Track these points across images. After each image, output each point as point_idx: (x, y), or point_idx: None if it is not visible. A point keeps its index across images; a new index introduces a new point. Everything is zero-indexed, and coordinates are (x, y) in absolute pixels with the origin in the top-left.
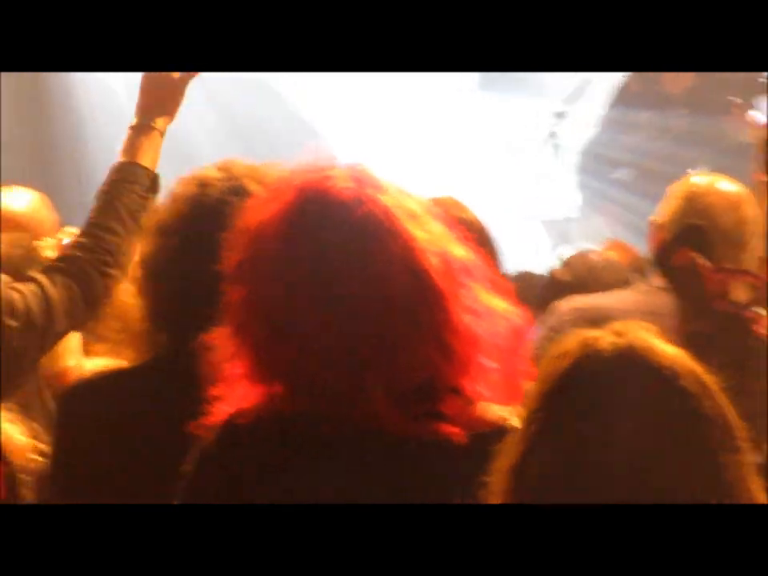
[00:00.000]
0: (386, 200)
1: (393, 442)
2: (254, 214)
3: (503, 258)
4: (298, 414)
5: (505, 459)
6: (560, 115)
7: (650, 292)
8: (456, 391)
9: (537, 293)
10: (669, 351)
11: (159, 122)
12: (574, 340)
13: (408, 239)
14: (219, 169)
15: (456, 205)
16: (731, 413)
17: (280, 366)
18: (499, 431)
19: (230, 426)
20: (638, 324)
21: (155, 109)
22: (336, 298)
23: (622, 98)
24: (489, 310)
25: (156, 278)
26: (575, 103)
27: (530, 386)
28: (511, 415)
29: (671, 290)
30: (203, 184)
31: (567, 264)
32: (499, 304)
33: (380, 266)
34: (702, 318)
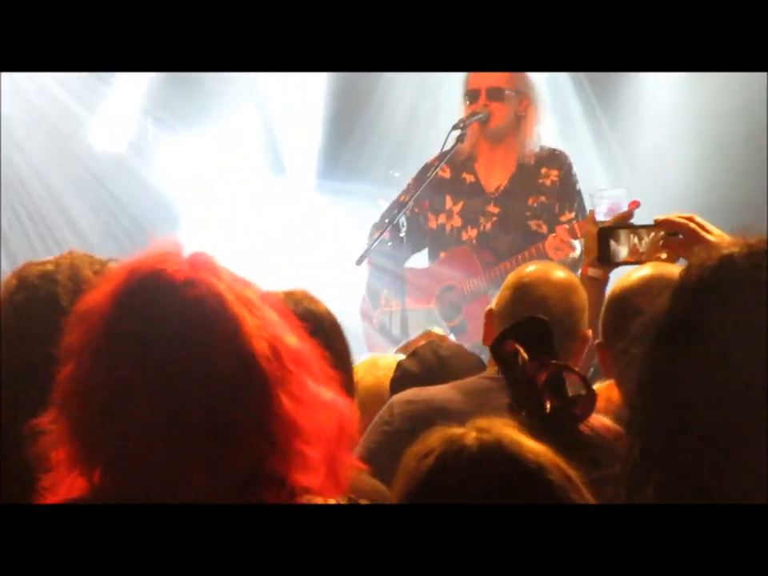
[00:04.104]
0: (219, 284)
1: None
2: (88, 296)
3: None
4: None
5: None
6: (404, 205)
7: (479, 383)
8: (280, 481)
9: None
10: (534, 446)
11: None
12: (436, 437)
13: (236, 324)
14: (56, 259)
15: (307, 297)
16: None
17: (99, 452)
18: None
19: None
20: (501, 420)
21: None
22: (160, 381)
23: (438, 186)
24: (315, 399)
25: None
26: (417, 191)
27: (393, 482)
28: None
29: (498, 379)
30: (38, 275)
31: (415, 355)
32: (326, 394)
33: (206, 349)
34: (529, 409)
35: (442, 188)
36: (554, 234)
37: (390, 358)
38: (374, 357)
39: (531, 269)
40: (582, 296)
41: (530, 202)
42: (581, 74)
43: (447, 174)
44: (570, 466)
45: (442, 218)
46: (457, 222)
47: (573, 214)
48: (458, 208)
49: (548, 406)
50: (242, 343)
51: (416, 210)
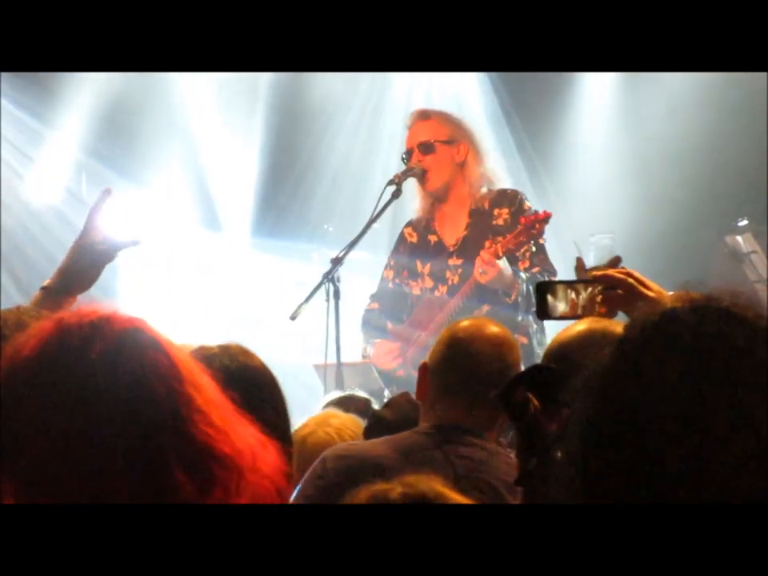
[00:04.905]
0: (150, 329)
1: None
2: (9, 354)
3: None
4: None
5: None
6: (338, 261)
7: (411, 438)
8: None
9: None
10: (457, 499)
11: (74, 292)
12: (364, 492)
13: (170, 359)
14: (4, 314)
15: (242, 351)
16: None
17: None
18: None
19: None
20: (427, 476)
21: (74, 278)
22: (96, 419)
23: (403, 248)
24: (233, 432)
25: None
26: (354, 250)
27: None
28: None
29: (431, 435)
30: None
31: (389, 404)
32: (244, 429)
33: (142, 384)
34: (539, 458)
35: (413, 254)
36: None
37: (343, 417)
38: (327, 413)
39: (465, 324)
40: (516, 351)
41: (486, 244)
42: (510, 109)
43: (415, 239)
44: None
45: (420, 283)
46: (428, 283)
47: (526, 247)
48: (426, 269)
49: (558, 455)
50: (175, 377)
51: (397, 281)
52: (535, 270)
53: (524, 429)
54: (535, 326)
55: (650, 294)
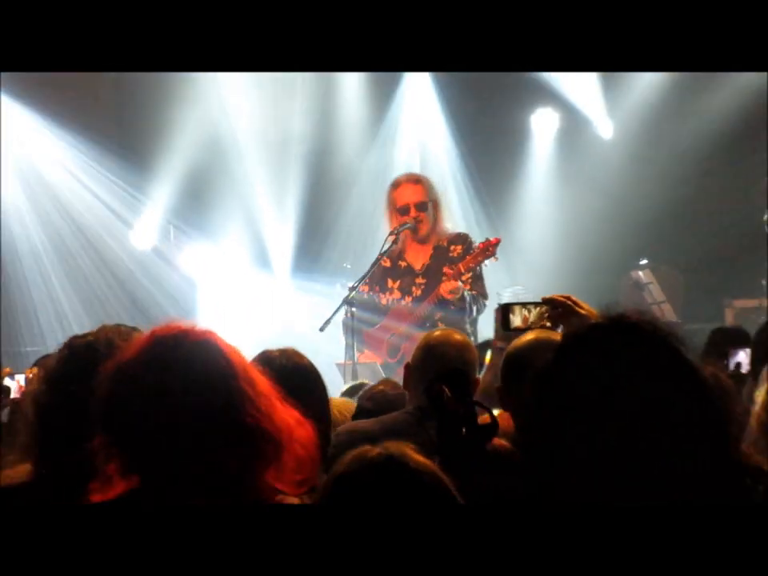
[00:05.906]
0: (216, 340)
1: None
2: (118, 357)
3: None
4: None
5: None
6: (353, 289)
7: (399, 416)
8: (255, 479)
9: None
10: (418, 458)
11: None
12: (351, 453)
13: (229, 363)
14: (95, 333)
15: (296, 353)
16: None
17: (138, 465)
18: None
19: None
20: (401, 443)
21: None
22: (180, 408)
23: (377, 270)
24: (279, 415)
25: (34, 414)
26: (363, 279)
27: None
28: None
29: (413, 414)
30: (83, 345)
31: (370, 397)
32: (288, 413)
33: (213, 381)
34: (451, 433)
35: (385, 274)
36: (445, 279)
37: (337, 401)
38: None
39: (436, 333)
40: (474, 353)
41: (444, 269)
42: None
43: (388, 264)
44: (444, 474)
45: (388, 295)
46: (397, 294)
47: (470, 273)
48: (396, 285)
49: (463, 431)
50: (231, 375)
51: (371, 293)
52: (474, 292)
53: (439, 412)
54: (470, 327)
55: (583, 312)
